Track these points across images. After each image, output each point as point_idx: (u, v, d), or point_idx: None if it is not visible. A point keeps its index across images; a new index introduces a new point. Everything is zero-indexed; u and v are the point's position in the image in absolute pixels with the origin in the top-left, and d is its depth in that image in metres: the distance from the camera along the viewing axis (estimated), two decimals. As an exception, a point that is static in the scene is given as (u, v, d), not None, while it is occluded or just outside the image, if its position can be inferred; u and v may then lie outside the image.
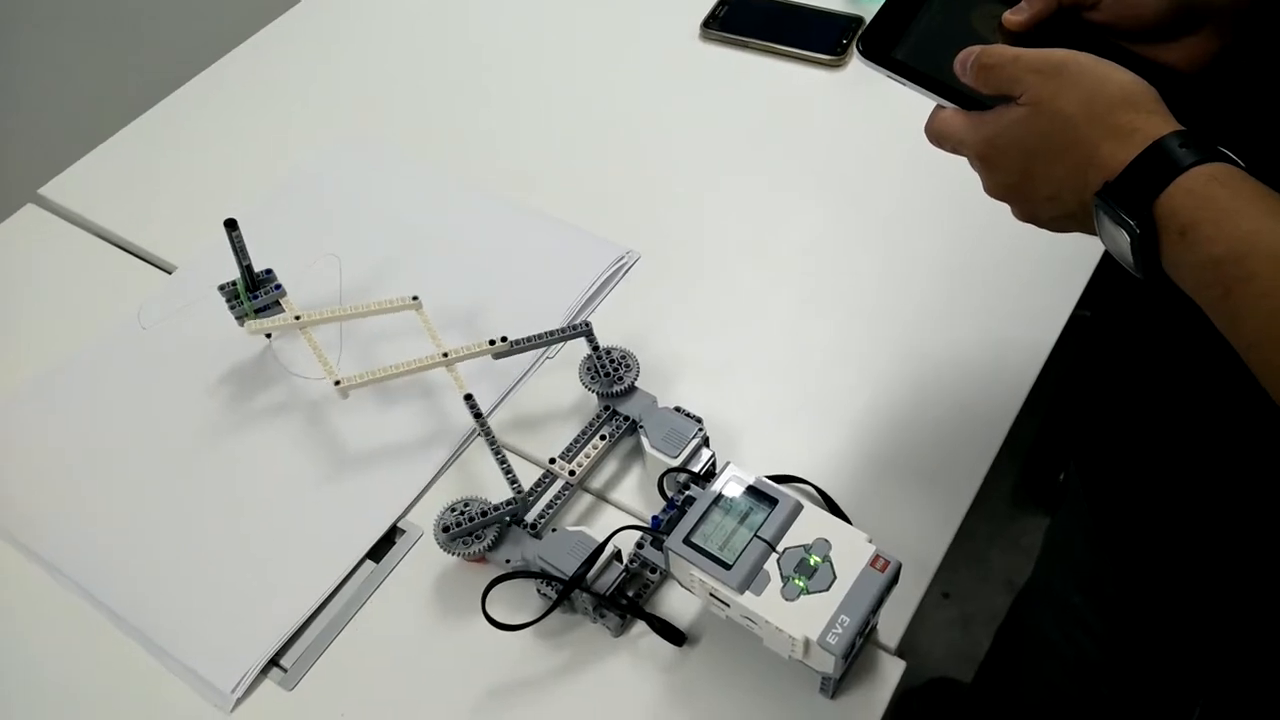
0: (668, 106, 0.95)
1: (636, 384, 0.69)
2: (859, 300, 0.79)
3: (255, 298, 0.74)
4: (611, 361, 0.70)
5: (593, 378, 0.69)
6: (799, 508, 0.58)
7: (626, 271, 0.82)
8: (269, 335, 0.78)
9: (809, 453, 0.70)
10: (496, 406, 0.74)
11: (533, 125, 0.95)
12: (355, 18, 1.08)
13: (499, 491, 0.65)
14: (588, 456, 0.67)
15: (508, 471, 0.63)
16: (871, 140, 0.90)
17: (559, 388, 0.74)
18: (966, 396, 0.73)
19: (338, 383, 0.68)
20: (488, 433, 0.65)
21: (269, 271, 0.75)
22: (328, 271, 0.83)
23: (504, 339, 0.69)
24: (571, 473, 0.66)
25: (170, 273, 0.85)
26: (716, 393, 0.73)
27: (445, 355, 0.69)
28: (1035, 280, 0.78)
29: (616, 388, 0.68)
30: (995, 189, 0.55)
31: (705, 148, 0.91)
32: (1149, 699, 0.82)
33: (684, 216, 0.86)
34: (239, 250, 0.71)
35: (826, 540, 0.56)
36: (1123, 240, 0.48)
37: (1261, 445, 0.60)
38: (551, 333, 0.70)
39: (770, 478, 0.65)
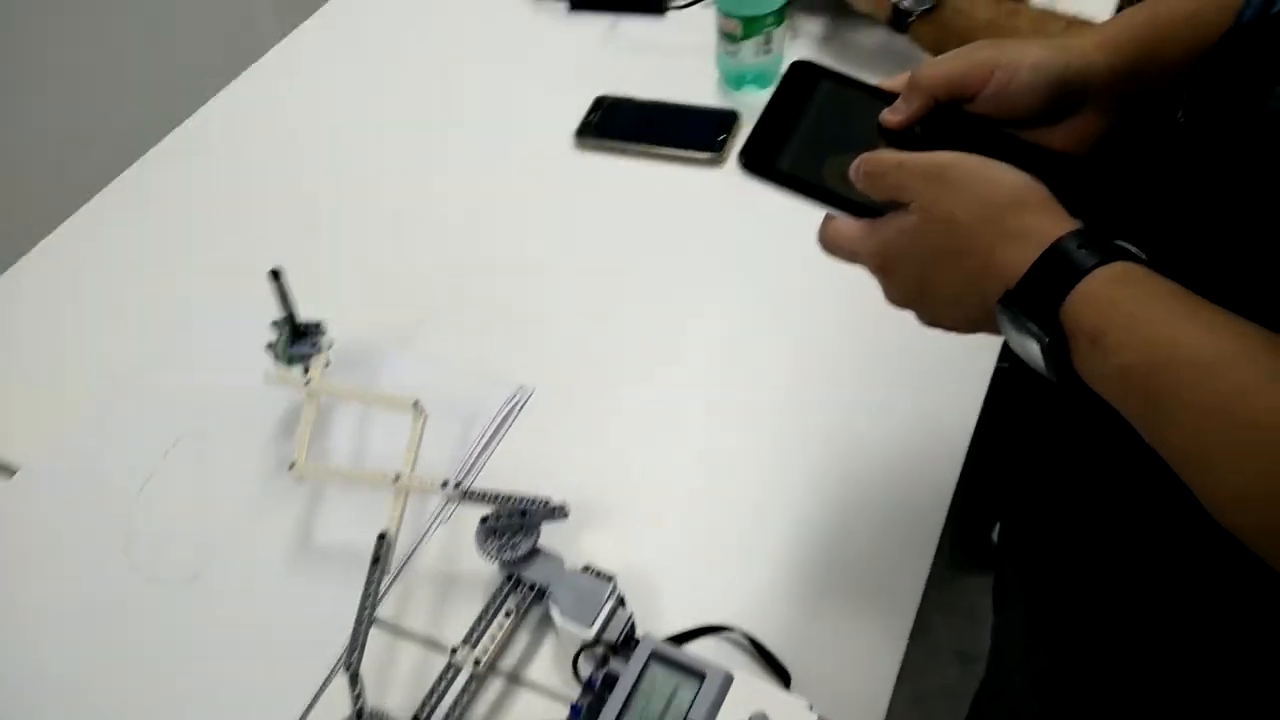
0: (549, 222, 0.90)
1: (539, 545, 0.63)
2: (773, 404, 0.75)
3: (293, 346, 0.74)
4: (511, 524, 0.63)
5: (491, 545, 0.63)
6: (729, 680, 0.52)
7: (520, 409, 0.76)
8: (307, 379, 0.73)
9: (736, 591, 0.65)
10: (394, 580, 0.67)
11: (405, 257, 0.89)
12: (204, 165, 1.01)
13: (403, 696, 0.58)
14: (494, 639, 0.60)
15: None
16: (763, 235, 0.86)
17: (453, 557, 0.68)
18: (899, 487, 0.69)
19: (292, 465, 0.67)
20: (374, 586, 0.59)
21: (317, 325, 0.75)
22: (190, 452, 0.75)
23: (456, 485, 0.64)
24: (477, 661, 0.59)
25: (13, 474, 0.76)
26: (630, 537, 0.67)
27: (396, 478, 0.65)
28: (952, 344, 0.75)
29: (517, 554, 0.62)
30: (895, 298, 0.53)
31: (592, 263, 0.86)
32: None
33: (577, 340, 0.81)
34: (282, 299, 0.73)
35: (765, 715, 0.51)
36: (1032, 348, 0.45)
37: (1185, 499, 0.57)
38: (518, 499, 0.63)
39: (696, 630, 0.60)
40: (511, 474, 0.71)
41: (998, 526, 1.40)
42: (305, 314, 0.75)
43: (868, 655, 0.61)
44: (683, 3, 1.08)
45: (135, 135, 1.04)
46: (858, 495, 0.70)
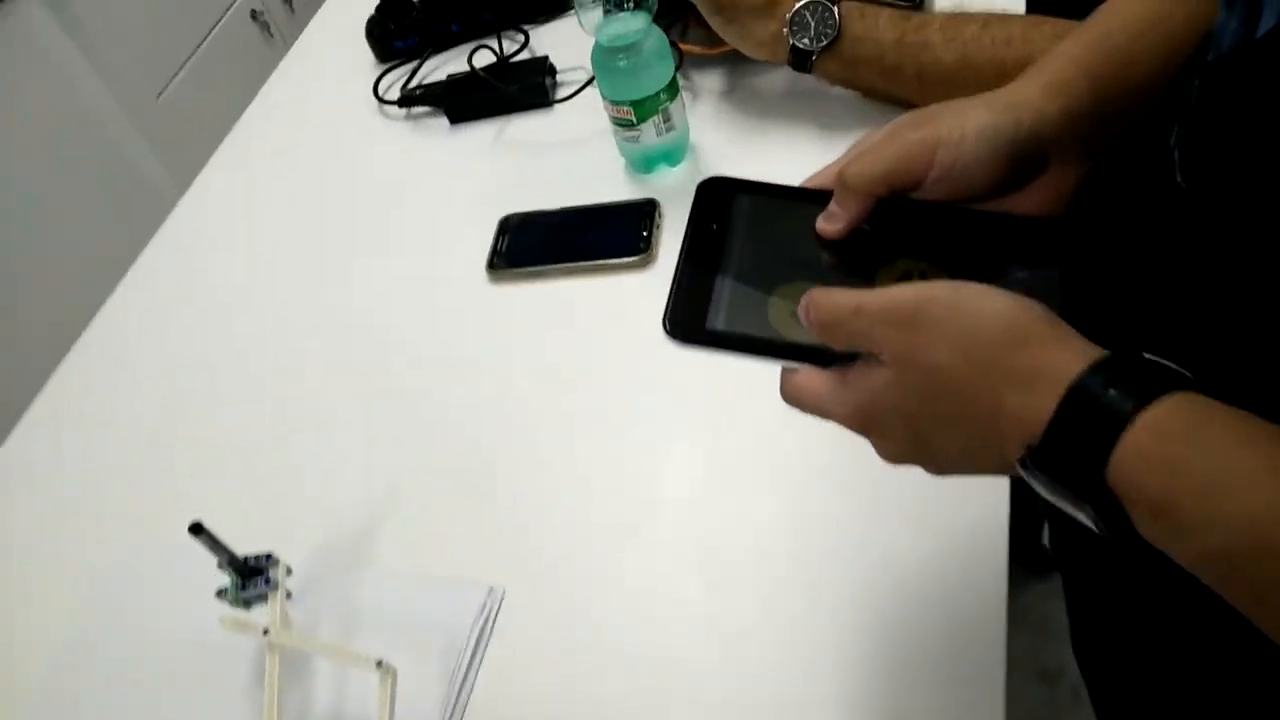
0: (478, 380, 0.80)
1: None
2: (775, 540, 0.65)
3: (244, 589, 0.66)
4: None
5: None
6: None
7: (496, 615, 0.66)
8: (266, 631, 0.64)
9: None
10: None
11: (337, 455, 0.79)
12: (99, 396, 0.92)
13: None
14: None
15: None
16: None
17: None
18: (945, 590, 0.60)
19: None
20: None
21: (268, 557, 0.66)
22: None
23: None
24: None
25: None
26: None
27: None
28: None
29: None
30: (890, 457, 0.44)
31: (537, 416, 0.77)
32: None
33: (541, 514, 0.71)
34: (215, 547, 0.64)
35: None
36: (1078, 515, 0.36)
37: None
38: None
39: None
40: (502, 706, 0.62)
41: (1045, 529, 1.32)
42: (251, 544, 0.65)
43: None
44: (568, 93, 0.99)
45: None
46: (902, 610, 0.61)
